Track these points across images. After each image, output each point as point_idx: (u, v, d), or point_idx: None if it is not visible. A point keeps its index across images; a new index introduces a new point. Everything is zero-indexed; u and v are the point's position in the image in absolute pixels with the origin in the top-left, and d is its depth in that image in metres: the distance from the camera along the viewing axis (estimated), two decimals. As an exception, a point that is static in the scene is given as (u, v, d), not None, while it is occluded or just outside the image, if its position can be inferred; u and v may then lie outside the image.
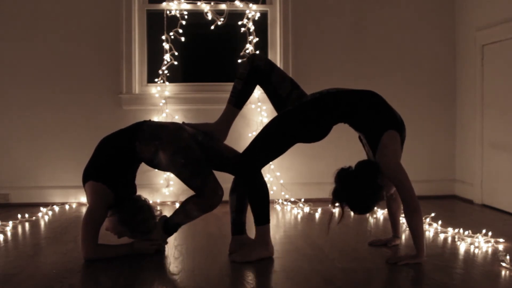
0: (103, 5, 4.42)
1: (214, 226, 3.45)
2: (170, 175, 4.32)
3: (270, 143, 2.64)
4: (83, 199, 4.29)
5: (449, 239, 3.08)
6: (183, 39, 4.49)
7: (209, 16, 4.50)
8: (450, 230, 3.19)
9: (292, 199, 4.38)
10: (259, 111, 4.46)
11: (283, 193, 4.43)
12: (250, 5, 4.51)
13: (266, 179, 4.35)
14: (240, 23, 4.50)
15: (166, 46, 4.46)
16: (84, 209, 4.12)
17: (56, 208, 4.16)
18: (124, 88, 4.42)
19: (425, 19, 4.63)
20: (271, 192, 4.32)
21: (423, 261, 2.56)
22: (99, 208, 2.63)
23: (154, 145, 2.65)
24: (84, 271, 2.50)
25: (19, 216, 3.70)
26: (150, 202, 2.85)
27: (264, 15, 4.61)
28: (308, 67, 4.51)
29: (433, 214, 3.55)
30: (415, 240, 2.55)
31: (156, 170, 3.11)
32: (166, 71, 4.47)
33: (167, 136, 2.66)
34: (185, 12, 4.50)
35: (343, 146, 4.21)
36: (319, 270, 2.49)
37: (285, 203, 4.32)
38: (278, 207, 4.21)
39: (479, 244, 2.90)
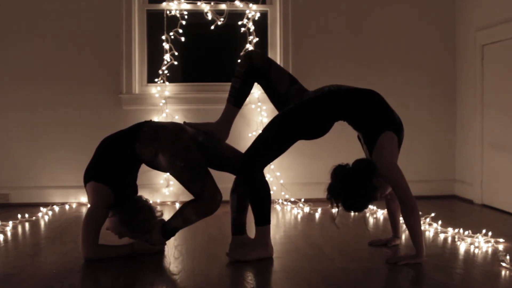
0: (103, 5, 4.42)
1: (214, 226, 3.45)
2: (170, 175, 4.31)
3: (271, 142, 2.64)
4: (83, 199, 4.30)
5: (449, 239, 3.08)
6: (183, 39, 4.49)
7: (209, 16, 4.50)
8: (450, 230, 3.19)
9: (292, 199, 4.38)
10: (259, 111, 4.46)
11: (283, 193, 4.43)
12: (250, 5, 4.51)
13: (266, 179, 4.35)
14: (240, 23, 4.50)
15: (166, 46, 4.46)
16: (84, 209, 4.12)
17: (56, 208, 4.16)
18: (124, 88, 4.42)
19: (425, 19, 4.63)
20: (271, 192, 4.32)
21: (423, 261, 2.56)
22: (100, 208, 2.64)
23: (153, 147, 2.64)
24: (84, 271, 2.50)
25: (19, 216, 3.70)
26: (150, 202, 2.85)
27: (264, 15, 4.61)
28: (308, 67, 4.51)
29: (433, 214, 3.55)
30: (414, 240, 2.56)
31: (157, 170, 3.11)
32: (166, 71, 4.47)
33: (167, 138, 2.65)
34: (185, 12, 4.50)
35: (343, 146, 4.20)
36: (319, 270, 2.49)
37: (285, 203, 4.32)
38: (278, 207, 4.21)
39: (479, 244, 2.90)
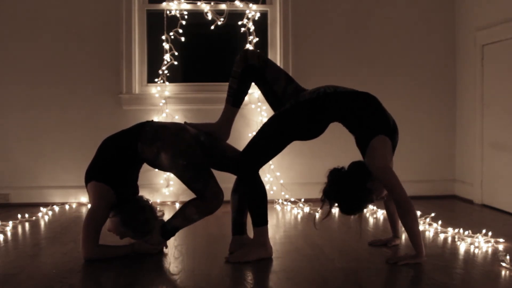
0: (103, 5, 4.42)
1: (215, 226, 3.45)
2: (170, 175, 4.32)
3: (268, 142, 2.64)
4: (83, 199, 4.30)
5: (449, 239, 3.08)
6: (183, 39, 4.49)
7: (209, 16, 4.50)
8: (450, 230, 3.19)
9: (292, 199, 4.38)
10: (259, 111, 4.46)
11: (283, 193, 4.43)
12: (250, 5, 4.51)
13: (266, 179, 4.36)
14: (240, 23, 4.50)
15: (166, 46, 4.46)
16: (84, 209, 4.13)
17: (56, 208, 4.16)
18: (124, 88, 4.42)
19: (425, 19, 4.63)
20: (271, 192, 4.33)
21: (423, 261, 2.56)
22: (101, 208, 2.63)
23: (156, 146, 2.65)
24: (84, 271, 2.50)
25: (19, 216, 3.70)
26: (151, 202, 2.85)
27: (264, 15, 4.61)
28: (308, 67, 4.51)
29: (433, 214, 3.55)
30: (412, 240, 2.56)
31: (157, 170, 3.11)
32: (166, 71, 4.46)
33: (169, 138, 2.66)
34: (185, 12, 4.50)
35: (342, 146, 4.18)
36: (319, 270, 2.49)
37: (285, 203, 4.32)
38: (278, 207, 4.21)
39: (479, 244, 2.90)
